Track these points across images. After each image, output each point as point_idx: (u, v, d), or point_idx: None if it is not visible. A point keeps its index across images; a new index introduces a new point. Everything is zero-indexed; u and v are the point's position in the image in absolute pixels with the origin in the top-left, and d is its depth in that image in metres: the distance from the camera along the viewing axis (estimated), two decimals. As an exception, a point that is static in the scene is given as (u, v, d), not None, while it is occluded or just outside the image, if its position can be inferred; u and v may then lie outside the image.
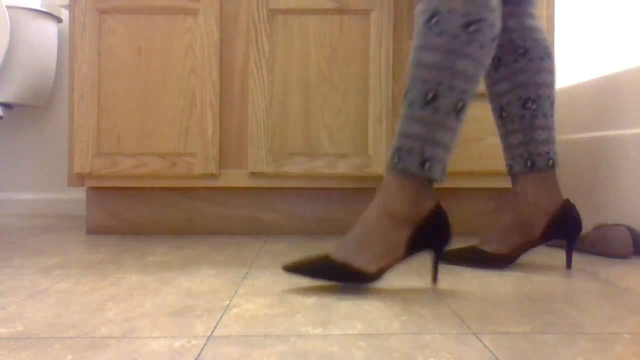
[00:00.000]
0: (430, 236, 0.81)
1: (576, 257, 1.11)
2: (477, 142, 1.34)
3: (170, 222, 1.44)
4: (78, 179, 1.36)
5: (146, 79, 1.35)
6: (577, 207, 1.01)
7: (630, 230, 1.13)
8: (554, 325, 0.65)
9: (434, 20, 0.80)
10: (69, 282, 0.87)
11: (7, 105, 1.80)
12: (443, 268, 1.00)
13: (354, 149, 1.34)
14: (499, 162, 1.35)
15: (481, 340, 0.60)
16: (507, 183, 1.36)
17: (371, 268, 0.79)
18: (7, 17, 1.63)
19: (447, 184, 1.35)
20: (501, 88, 1.00)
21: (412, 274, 0.94)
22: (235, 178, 1.35)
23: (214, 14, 1.34)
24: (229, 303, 0.75)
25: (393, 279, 0.90)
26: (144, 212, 1.44)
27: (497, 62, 1.00)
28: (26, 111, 1.96)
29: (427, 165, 0.79)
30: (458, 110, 0.80)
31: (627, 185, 1.34)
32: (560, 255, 1.13)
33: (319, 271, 0.81)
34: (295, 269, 0.82)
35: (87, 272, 0.94)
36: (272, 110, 1.35)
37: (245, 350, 0.56)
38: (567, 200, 0.98)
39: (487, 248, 1.00)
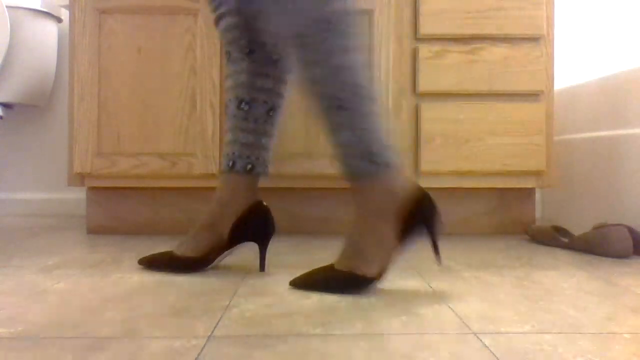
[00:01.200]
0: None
1: (576, 257, 1.11)
2: (477, 142, 1.34)
3: (170, 222, 1.44)
4: (78, 179, 1.36)
5: (146, 79, 1.35)
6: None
7: (630, 230, 1.13)
8: (554, 325, 0.65)
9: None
10: (69, 282, 0.87)
11: (7, 105, 1.80)
12: (443, 268, 1.00)
13: (354, 149, 1.34)
14: (499, 162, 1.35)
15: (481, 340, 0.60)
16: (507, 183, 1.36)
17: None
18: (7, 17, 1.63)
19: (447, 183, 1.35)
20: (227, 84, 1.00)
21: (412, 274, 0.94)
22: (235, 178, 1.35)
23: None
24: (229, 303, 0.75)
25: (393, 279, 0.90)
26: (144, 212, 1.44)
27: (228, 57, 0.99)
28: (26, 111, 1.96)
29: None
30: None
31: (627, 185, 1.34)
32: (560, 255, 1.13)
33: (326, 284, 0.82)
34: (303, 284, 0.83)
35: (87, 272, 0.94)
36: (272, 110, 1.34)
37: (245, 350, 0.56)
38: (259, 202, 0.95)
39: (179, 251, 0.96)
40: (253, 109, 0.96)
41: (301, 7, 0.78)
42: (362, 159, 0.80)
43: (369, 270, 0.80)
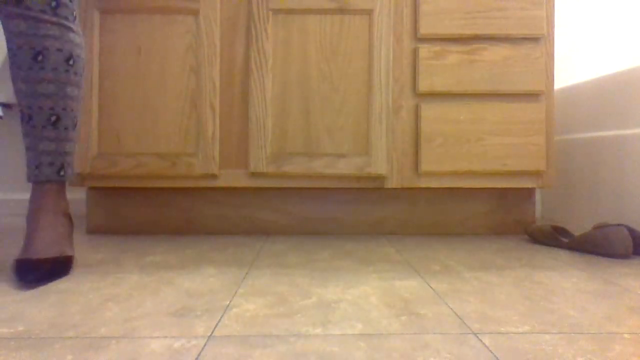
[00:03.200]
0: None
1: (576, 257, 1.11)
2: (477, 142, 1.34)
3: (170, 222, 1.44)
4: (78, 179, 1.36)
5: (146, 79, 1.35)
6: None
7: (630, 230, 1.13)
8: (554, 325, 0.65)
9: (39, 58, 0.92)
10: (69, 282, 0.87)
11: (7, 105, 1.80)
12: (443, 268, 1.00)
13: (354, 149, 1.34)
14: (499, 162, 1.35)
15: (481, 340, 0.60)
16: (507, 183, 1.36)
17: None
18: (7, 17, 1.63)
19: (447, 184, 1.35)
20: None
21: (412, 274, 0.94)
22: (235, 178, 1.35)
23: (214, 14, 1.34)
24: (229, 303, 0.75)
25: (393, 279, 0.90)
26: (144, 212, 1.44)
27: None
28: (26, 111, 1.96)
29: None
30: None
31: (627, 185, 1.34)
32: (560, 255, 1.13)
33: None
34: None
35: (87, 272, 0.94)
36: (272, 110, 1.35)
37: (245, 350, 0.56)
38: None
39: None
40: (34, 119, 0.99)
41: None
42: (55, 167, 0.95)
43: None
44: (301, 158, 1.34)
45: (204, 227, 1.44)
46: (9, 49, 0.92)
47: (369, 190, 1.46)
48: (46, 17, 0.90)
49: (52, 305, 0.73)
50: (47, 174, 0.94)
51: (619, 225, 1.12)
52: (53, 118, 0.93)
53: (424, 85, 1.35)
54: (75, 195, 1.95)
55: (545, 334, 0.62)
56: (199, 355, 0.55)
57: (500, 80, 1.35)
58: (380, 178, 1.36)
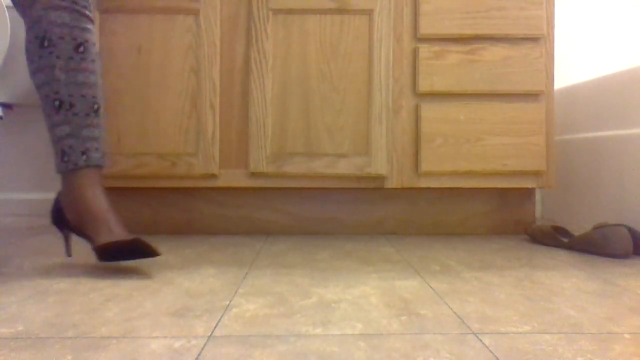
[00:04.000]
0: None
1: (576, 257, 1.11)
2: (477, 142, 1.34)
3: (170, 222, 1.44)
4: (78, 179, 1.35)
5: (146, 79, 1.35)
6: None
7: (630, 230, 1.13)
8: (554, 325, 0.65)
9: (80, 49, 0.96)
10: (69, 282, 0.87)
11: (7, 105, 1.80)
12: (443, 268, 1.00)
13: (354, 149, 1.34)
14: (499, 162, 1.35)
15: (481, 340, 0.60)
16: (507, 183, 1.36)
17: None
18: (7, 17, 1.63)
19: (447, 184, 1.35)
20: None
21: (412, 274, 0.94)
22: (235, 178, 1.35)
23: (214, 14, 1.34)
24: (229, 303, 0.75)
25: (393, 279, 0.90)
26: (144, 212, 1.44)
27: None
28: (26, 111, 1.96)
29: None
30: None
31: (627, 185, 1.34)
32: (560, 255, 1.13)
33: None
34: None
35: (87, 272, 0.94)
36: (272, 110, 1.35)
37: (245, 350, 0.56)
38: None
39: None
40: None
41: None
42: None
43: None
44: (301, 158, 1.34)
45: (204, 227, 1.44)
46: (45, 39, 0.93)
47: (369, 190, 1.46)
48: (87, 12, 0.97)
49: (52, 305, 0.73)
50: (96, 159, 0.97)
51: (618, 225, 1.12)
52: (96, 106, 0.97)
53: (424, 85, 1.35)
54: (75, 195, 1.94)
55: (545, 334, 0.62)
56: (199, 355, 0.55)
57: (500, 80, 1.35)
58: (380, 178, 1.36)
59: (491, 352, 0.56)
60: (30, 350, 0.56)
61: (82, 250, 1.17)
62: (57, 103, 0.94)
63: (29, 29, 0.96)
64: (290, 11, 1.35)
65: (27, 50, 0.96)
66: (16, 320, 0.67)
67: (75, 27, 0.95)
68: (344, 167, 1.33)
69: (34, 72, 0.96)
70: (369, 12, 1.35)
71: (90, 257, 1.08)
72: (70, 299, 0.76)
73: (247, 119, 1.36)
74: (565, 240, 1.24)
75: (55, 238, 1.35)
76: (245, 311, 0.71)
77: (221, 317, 0.68)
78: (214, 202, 1.44)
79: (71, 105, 0.95)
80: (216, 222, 1.44)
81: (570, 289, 0.84)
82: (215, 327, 0.64)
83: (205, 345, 0.58)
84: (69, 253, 1.02)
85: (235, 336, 0.61)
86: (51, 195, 1.96)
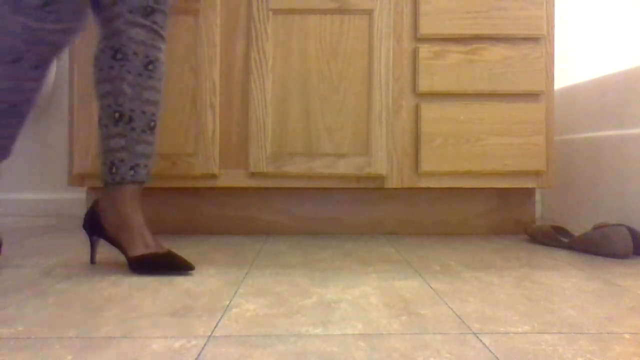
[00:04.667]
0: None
1: (576, 257, 1.11)
2: (477, 142, 1.34)
3: (170, 222, 1.44)
4: (78, 179, 1.36)
5: (146, 79, 1.34)
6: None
7: (630, 230, 1.13)
8: (554, 325, 0.65)
9: (150, 67, 0.97)
10: (69, 282, 0.87)
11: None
12: (443, 268, 1.00)
13: (354, 149, 1.34)
14: (499, 162, 1.35)
15: (481, 340, 0.60)
16: (507, 183, 1.36)
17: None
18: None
19: (447, 184, 1.35)
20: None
21: (412, 274, 0.94)
22: (235, 178, 1.35)
23: (213, 14, 1.34)
24: (229, 303, 0.75)
25: (393, 279, 0.90)
26: (144, 212, 1.44)
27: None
28: (26, 111, 1.96)
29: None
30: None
31: (627, 185, 1.34)
32: (560, 255, 1.13)
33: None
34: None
35: (87, 272, 0.94)
36: (272, 110, 1.35)
37: (245, 350, 0.56)
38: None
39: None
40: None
41: None
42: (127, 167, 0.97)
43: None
44: (301, 158, 1.34)
45: (204, 227, 1.44)
46: (120, 52, 0.95)
47: (369, 190, 1.46)
48: (163, 32, 0.99)
49: (52, 305, 0.73)
50: (142, 175, 0.98)
51: (619, 225, 1.12)
52: (152, 124, 0.98)
53: (423, 85, 1.35)
54: (75, 195, 1.95)
55: (545, 334, 0.62)
56: (199, 355, 0.55)
57: (500, 80, 1.35)
58: (380, 178, 1.36)
59: (491, 352, 0.56)
60: (30, 350, 0.56)
61: (82, 250, 1.17)
62: (117, 115, 0.95)
63: (103, 38, 0.96)
64: (290, 11, 1.35)
65: (97, 58, 0.97)
66: (16, 320, 0.67)
67: (150, 46, 0.96)
68: (344, 167, 1.33)
69: (100, 81, 0.96)
70: (369, 12, 1.35)
71: (87, 258, 1.08)
72: (70, 299, 0.76)
73: (247, 119, 1.36)
74: (565, 240, 1.24)
75: (55, 238, 1.35)
76: (245, 311, 0.71)
77: (221, 317, 0.68)
78: (214, 202, 1.44)
79: (130, 120, 0.95)
80: (216, 222, 1.44)
81: (570, 289, 0.84)
82: (215, 327, 0.64)
83: (205, 345, 0.58)
84: (93, 260, 1.02)
85: (235, 336, 0.61)
86: (51, 195, 1.96)
